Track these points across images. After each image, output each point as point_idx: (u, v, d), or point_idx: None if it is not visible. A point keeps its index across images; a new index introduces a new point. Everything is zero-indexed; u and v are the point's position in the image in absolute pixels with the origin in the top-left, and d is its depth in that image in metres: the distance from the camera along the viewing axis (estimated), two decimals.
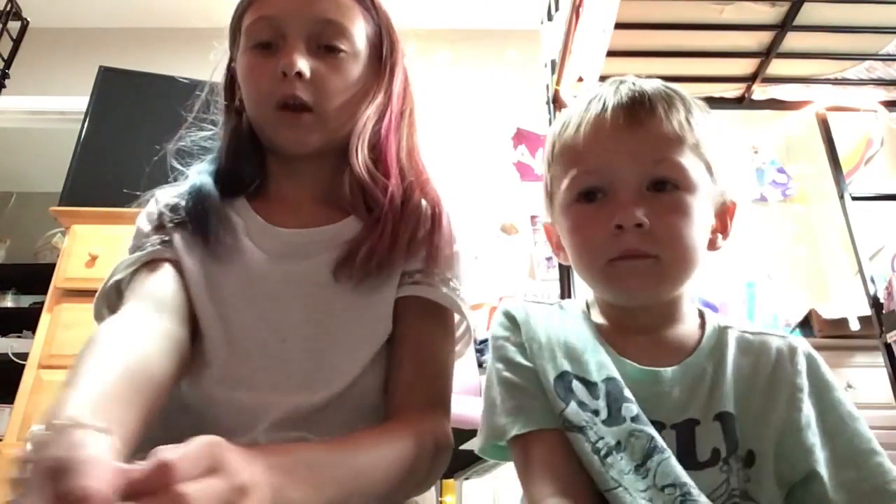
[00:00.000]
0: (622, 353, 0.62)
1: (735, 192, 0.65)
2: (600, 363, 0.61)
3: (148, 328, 0.59)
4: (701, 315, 0.67)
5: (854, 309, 2.25)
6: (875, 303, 1.90)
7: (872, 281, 1.93)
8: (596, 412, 0.58)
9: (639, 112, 0.60)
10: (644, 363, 0.61)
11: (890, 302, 1.88)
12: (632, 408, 0.58)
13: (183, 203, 0.72)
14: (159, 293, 0.65)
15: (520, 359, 0.64)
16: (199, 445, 0.38)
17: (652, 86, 0.63)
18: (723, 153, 0.63)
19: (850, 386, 2.17)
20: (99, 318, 0.70)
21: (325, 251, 0.69)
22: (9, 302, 3.27)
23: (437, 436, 0.63)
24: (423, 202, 0.75)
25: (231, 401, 0.62)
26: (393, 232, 0.69)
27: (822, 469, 0.56)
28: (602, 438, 0.57)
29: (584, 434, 0.57)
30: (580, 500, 0.55)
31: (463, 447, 1.07)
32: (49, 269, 2.03)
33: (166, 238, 0.70)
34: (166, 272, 0.67)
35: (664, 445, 0.56)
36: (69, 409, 0.42)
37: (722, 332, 0.65)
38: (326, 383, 0.64)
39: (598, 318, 0.67)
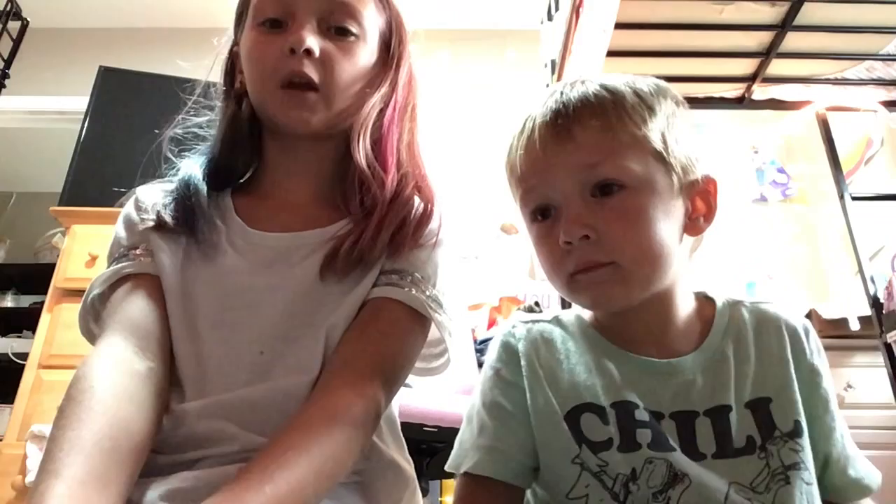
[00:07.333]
0: (635, 352, 0.61)
1: (707, 168, 0.62)
2: (607, 385, 0.59)
3: (129, 378, 0.57)
4: (703, 297, 0.65)
5: (854, 309, 2.25)
6: (875, 303, 1.90)
7: (872, 281, 1.93)
8: (609, 441, 0.57)
9: (564, 123, 0.58)
10: (659, 357, 0.60)
11: (890, 302, 1.88)
12: (646, 433, 0.56)
13: (170, 200, 0.70)
14: (139, 321, 0.62)
15: (507, 404, 0.61)
16: None
17: (583, 91, 0.60)
18: (682, 135, 0.60)
19: (850, 386, 2.17)
20: (87, 333, 0.69)
21: (313, 253, 0.67)
22: (9, 302, 3.27)
23: (369, 404, 0.59)
24: (417, 198, 0.73)
25: (202, 413, 0.60)
26: (378, 223, 0.67)
27: (840, 447, 0.60)
28: (619, 475, 0.55)
29: (601, 480, 0.56)
30: None
31: None
32: (49, 269, 2.03)
33: (147, 248, 0.68)
34: (146, 292, 0.65)
35: (685, 471, 0.54)
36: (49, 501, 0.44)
37: (734, 307, 0.64)
38: (301, 377, 0.62)
39: (598, 325, 0.65)
